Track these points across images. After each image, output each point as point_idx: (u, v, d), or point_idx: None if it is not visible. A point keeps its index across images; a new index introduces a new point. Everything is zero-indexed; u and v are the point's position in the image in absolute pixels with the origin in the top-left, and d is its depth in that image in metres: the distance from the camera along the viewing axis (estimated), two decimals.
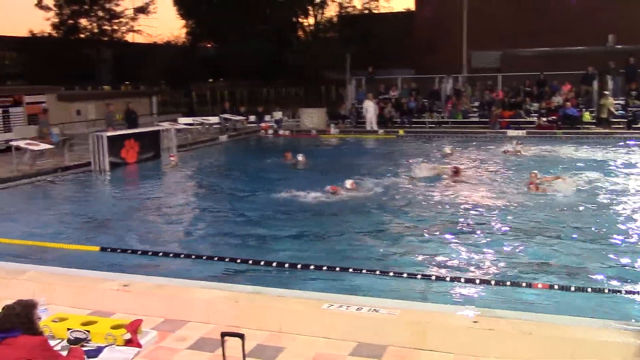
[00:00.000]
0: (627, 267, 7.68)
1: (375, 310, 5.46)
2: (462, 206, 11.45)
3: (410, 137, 23.67)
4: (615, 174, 14.56)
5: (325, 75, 46.71)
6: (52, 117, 23.70)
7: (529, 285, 6.54)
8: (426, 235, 9.59)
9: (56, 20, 50.86)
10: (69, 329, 4.63)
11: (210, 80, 56.99)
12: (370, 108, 25.74)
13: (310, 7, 47.35)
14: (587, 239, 9.05)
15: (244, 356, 4.10)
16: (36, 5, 49.29)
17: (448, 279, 7.14)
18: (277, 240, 9.56)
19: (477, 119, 25.77)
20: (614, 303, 6.28)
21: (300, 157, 17.12)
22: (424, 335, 5.19)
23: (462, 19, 30.48)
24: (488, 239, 9.21)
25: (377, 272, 7.21)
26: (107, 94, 35.18)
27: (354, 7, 47.60)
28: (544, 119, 23.93)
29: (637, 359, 4.56)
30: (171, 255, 8.40)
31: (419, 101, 27.32)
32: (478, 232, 9.66)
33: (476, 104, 26.81)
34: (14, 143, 16.77)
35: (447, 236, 9.45)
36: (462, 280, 7.09)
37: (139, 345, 4.59)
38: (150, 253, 8.49)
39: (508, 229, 9.75)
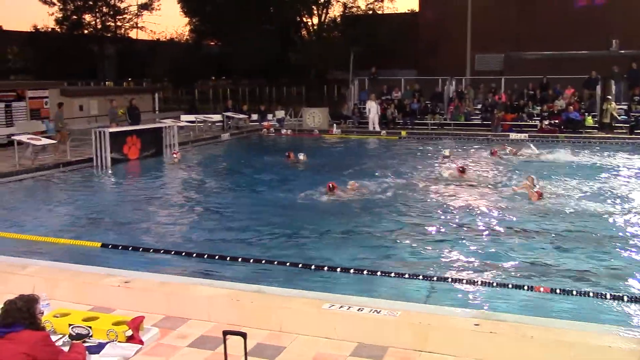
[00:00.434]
0: (630, 273, 7.66)
1: (376, 311, 5.46)
2: (463, 208, 11.43)
3: (412, 139, 23.65)
4: (617, 178, 14.56)
5: (328, 75, 46.71)
6: (55, 112, 23.73)
7: (531, 289, 6.53)
8: (427, 236, 9.59)
9: (60, 15, 50.92)
10: (70, 325, 4.63)
11: (213, 78, 57.02)
12: (372, 108, 25.75)
13: (314, 7, 47.35)
14: (591, 243, 9.02)
15: (246, 355, 4.10)
16: (40, 0, 49.36)
17: (450, 280, 7.13)
18: (278, 239, 9.55)
19: (479, 122, 25.75)
20: (617, 308, 6.26)
21: (301, 157, 17.16)
22: (425, 337, 5.19)
23: (466, 21, 30.44)
24: (491, 242, 9.21)
25: (379, 273, 7.20)
26: (109, 90, 35.22)
27: (358, 7, 47.67)
28: (546, 122, 23.90)
29: None
30: (172, 252, 8.40)
31: (421, 103, 27.31)
32: (481, 234, 9.65)
33: (479, 106, 26.80)
34: (16, 137, 16.77)
35: (449, 237, 9.44)
36: (464, 282, 7.08)
37: (140, 342, 4.59)
38: (151, 250, 8.48)
39: (510, 231, 9.74)
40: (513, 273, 7.65)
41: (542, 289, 6.50)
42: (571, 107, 23.99)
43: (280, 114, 29.19)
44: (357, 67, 31.22)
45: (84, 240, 9.11)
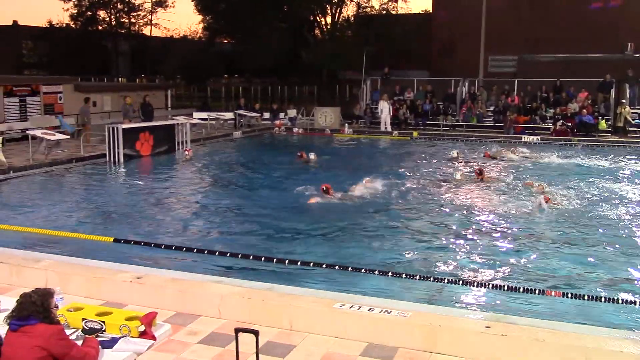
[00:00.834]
0: None
1: (387, 311, 5.47)
2: (475, 210, 11.41)
3: (424, 140, 23.61)
4: (630, 182, 14.48)
5: (341, 75, 46.70)
6: (68, 107, 23.89)
7: (542, 292, 6.51)
8: (439, 237, 9.57)
9: (75, 11, 51.25)
10: (84, 319, 4.66)
11: (226, 76, 57.16)
12: (384, 109, 25.73)
13: (328, 6, 47.34)
14: (603, 248, 8.98)
15: (258, 353, 4.12)
16: None
17: (460, 282, 7.11)
18: (288, 237, 9.58)
19: (491, 124, 25.66)
20: (629, 313, 6.23)
21: (312, 156, 17.19)
22: (435, 339, 5.19)
23: (480, 22, 30.33)
24: (502, 244, 9.19)
25: (390, 274, 7.20)
26: (123, 87, 35.34)
27: (372, 7, 47.63)
28: (560, 123, 23.73)
29: None
30: (184, 249, 8.43)
31: (434, 104, 27.26)
32: (493, 236, 9.63)
33: (491, 108, 26.70)
34: (30, 132, 16.90)
35: (461, 239, 9.42)
36: (475, 284, 7.07)
37: (153, 338, 4.62)
38: (163, 246, 8.51)
39: (521, 234, 9.71)
40: (524, 276, 7.62)
41: (553, 293, 6.47)
42: (584, 111, 23.85)
43: (292, 112, 29.21)
44: (370, 67, 31.17)
45: (96, 235, 9.17)
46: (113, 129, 16.96)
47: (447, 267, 7.97)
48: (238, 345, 4.17)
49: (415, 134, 24.61)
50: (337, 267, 7.40)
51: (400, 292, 6.77)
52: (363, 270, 7.26)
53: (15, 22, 52.95)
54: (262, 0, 43.54)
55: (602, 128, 23.71)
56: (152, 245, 8.56)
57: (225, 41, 53.41)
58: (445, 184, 14.10)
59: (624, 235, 9.71)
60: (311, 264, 7.52)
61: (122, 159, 16.78)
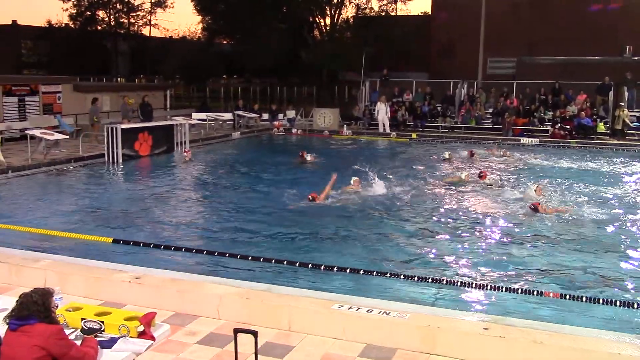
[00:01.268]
0: None
1: (385, 312, 5.47)
2: (472, 211, 11.42)
3: (422, 141, 23.63)
4: (628, 185, 14.51)
5: (340, 76, 46.72)
6: (67, 107, 23.87)
7: (540, 294, 6.52)
8: (435, 238, 9.59)
9: (74, 11, 51.28)
10: (83, 319, 4.67)
11: (225, 76, 57.17)
12: (381, 110, 25.75)
13: (327, 7, 47.37)
14: (602, 250, 9.00)
15: (256, 353, 4.12)
16: None
17: (459, 283, 7.12)
18: (287, 238, 9.59)
19: (490, 126, 25.68)
20: (628, 315, 6.24)
21: (309, 157, 17.20)
22: (433, 340, 5.20)
23: (479, 24, 30.37)
24: (500, 246, 9.20)
25: (388, 275, 7.21)
26: (122, 87, 35.34)
27: (371, 8, 47.67)
28: (558, 126, 23.77)
29: None
30: (183, 249, 8.44)
31: (432, 105, 27.28)
32: (491, 238, 9.65)
33: (490, 110, 26.73)
34: (29, 132, 16.89)
35: (459, 240, 9.44)
36: (473, 285, 7.08)
37: (152, 338, 4.62)
38: (162, 247, 8.51)
39: (519, 236, 9.73)
40: (523, 278, 7.63)
41: (551, 294, 6.49)
42: (583, 113, 23.90)
43: (291, 113, 29.21)
44: (369, 69, 31.21)
45: (95, 235, 9.17)
46: (112, 129, 16.96)
47: (444, 269, 7.98)
48: (237, 345, 4.18)
49: (413, 135, 24.64)
50: (334, 269, 7.40)
51: (398, 293, 6.77)
52: (361, 272, 7.26)
53: (14, 21, 53.00)
54: (261, 1, 43.58)
55: (601, 131, 23.76)
56: (151, 245, 8.56)
57: (225, 42, 53.45)
58: (441, 184, 14.12)
59: (623, 238, 9.72)
60: (309, 265, 7.52)
61: (120, 159, 16.77)
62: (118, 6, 52.48)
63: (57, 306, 4.33)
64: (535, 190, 12.16)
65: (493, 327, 5.19)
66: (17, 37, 51.70)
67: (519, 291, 6.67)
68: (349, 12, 48.82)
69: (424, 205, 12.16)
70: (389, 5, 47.53)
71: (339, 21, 48.62)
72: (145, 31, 55.78)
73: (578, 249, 9.06)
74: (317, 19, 49.09)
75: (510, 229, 10.20)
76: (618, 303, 6.27)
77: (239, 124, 26.11)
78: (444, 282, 7.08)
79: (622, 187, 14.21)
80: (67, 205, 11.84)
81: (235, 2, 45.24)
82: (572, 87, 26.19)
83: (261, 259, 7.83)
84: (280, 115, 28.81)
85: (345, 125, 26.29)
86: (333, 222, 10.57)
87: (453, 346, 5.13)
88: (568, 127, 23.63)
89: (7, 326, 4.04)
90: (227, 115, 26.87)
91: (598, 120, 24.12)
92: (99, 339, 4.46)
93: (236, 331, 4.14)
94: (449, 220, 10.87)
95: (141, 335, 4.63)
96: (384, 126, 25.61)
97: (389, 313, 5.45)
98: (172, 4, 54.73)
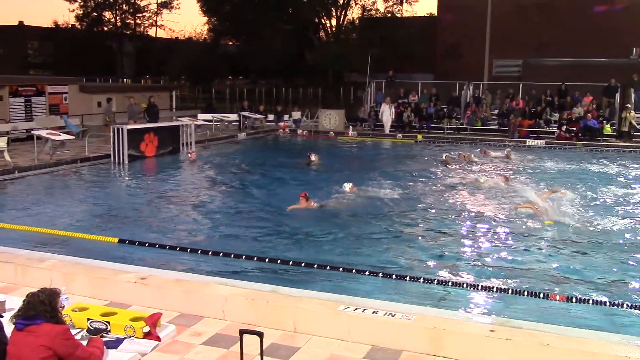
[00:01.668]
0: None
1: (391, 314, 5.46)
2: (479, 214, 11.39)
3: (428, 143, 23.59)
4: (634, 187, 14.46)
5: (345, 77, 46.70)
6: (73, 108, 23.96)
7: (547, 297, 6.50)
8: (440, 240, 9.57)
9: (80, 12, 51.40)
10: (89, 319, 4.66)
11: (230, 77, 57.22)
12: (385, 111, 25.75)
13: (333, 8, 47.36)
14: (609, 252, 8.96)
15: (262, 354, 4.11)
16: None
17: (465, 285, 7.11)
18: (292, 239, 9.59)
19: (496, 127, 25.63)
20: (636, 318, 6.21)
21: (314, 157, 17.22)
22: (439, 342, 5.18)
23: (485, 26, 30.32)
24: (507, 248, 9.18)
25: (394, 276, 7.20)
26: (128, 87, 35.45)
27: (377, 10, 47.63)
28: (564, 128, 23.69)
29: None
30: (188, 250, 8.45)
31: (438, 107, 27.25)
32: (498, 240, 9.63)
33: (496, 112, 26.68)
34: (35, 132, 16.94)
35: (465, 242, 9.42)
36: (480, 287, 7.05)
37: (158, 339, 4.60)
38: (167, 247, 8.53)
39: (527, 239, 9.70)
40: (529, 280, 7.61)
41: (558, 297, 6.46)
42: (589, 115, 23.82)
43: (296, 115, 29.24)
44: (375, 70, 31.19)
45: (102, 235, 9.19)
46: (118, 129, 17.01)
47: (451, 270, 7.96)
48: (242, 346, 4.17)
49: (419, 137, 24.60)
50: (340, 269, 7.40)
51: (403, 294, 6.76)
52: (367, 273, 7.25)
53: (21, 22, 53.14)
54: (267, 2, 43.60)
55: (607, 132, 23.66)
56: (157, 246, 8.57)
57: (230, 42, 53.48)
58: (443, 187, 14.10)
59: (630, 240, 9.68)
60: (315, 266, 7.51)
61: (126, 160, 16.81)
62: (124, 7, 52.59)
63: (64, 307, 4.33)
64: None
65: (499, 329, 5.17)
66: (23, 37, 51.86)
67: (526, 293, 6.64)
68: (354, 13, 48.85)
69: (428, 206, 12.14)
70: (395, 6, 47.50)
71: (345, 22, 48.60)
72: (151, 32, 55.94)
73: (584, 251, 9.02)
74: (322, 20, 49.08)
75: (518, 232, 10.16)
76: (626, 305, 6.24)
77: (244, 125, 26.13)
78: (450, 284, 7.06)
79: (630, 189, 14.14)
80: (73, 206, 11.87)
81: (240, 3, 45.29)
82: (579, 89, 26.12)
83: (267, 260, 7.83)
84: (286, 117, 28.83)
85: (350, 127, 26.29)
86: (333, 223, 10.59)
87: (459, 348, 5.11)
88: (574, 128, 23.56)
89: (13, 326, 4.03)
90: (233, 116, 26.90)
91: (604, 122, 24.02)
92: (104, 339, 4.44)
93: (242, 332, 4.13)
94: (453, 221, 10.86)
95: (147, 335, 4.61)
96: (387, 127, 25.64)
97: (395, 314, 5.44)
98: (178, 4, 54.86)
